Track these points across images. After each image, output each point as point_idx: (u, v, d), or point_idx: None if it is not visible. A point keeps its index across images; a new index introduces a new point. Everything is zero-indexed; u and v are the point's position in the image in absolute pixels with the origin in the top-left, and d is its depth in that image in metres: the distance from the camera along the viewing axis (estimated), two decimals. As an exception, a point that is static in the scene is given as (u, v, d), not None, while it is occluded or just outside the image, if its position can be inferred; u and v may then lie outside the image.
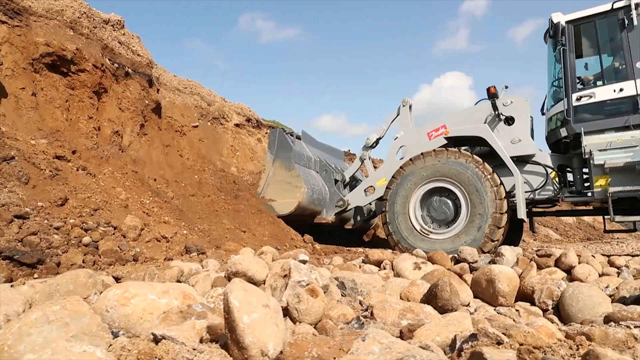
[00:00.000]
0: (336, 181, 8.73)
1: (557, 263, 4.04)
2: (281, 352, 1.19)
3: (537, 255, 4.26)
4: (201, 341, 1.24)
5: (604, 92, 6.65)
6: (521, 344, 1.52)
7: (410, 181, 7.09)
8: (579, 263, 3.96)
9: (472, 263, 4.30)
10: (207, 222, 7.41)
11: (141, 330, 1.50)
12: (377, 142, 8.39)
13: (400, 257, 4.23)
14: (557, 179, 6.99)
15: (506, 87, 7.40)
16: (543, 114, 7.81)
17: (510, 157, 6.86)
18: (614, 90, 6.56)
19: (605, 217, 6.89)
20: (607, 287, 3.11)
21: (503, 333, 1.56)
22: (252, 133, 9.94)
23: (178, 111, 8.57)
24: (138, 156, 7.58)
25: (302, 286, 1.92)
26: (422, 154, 7.17)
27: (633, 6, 6.49)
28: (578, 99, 6.78)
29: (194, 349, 1.13)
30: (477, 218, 6.59)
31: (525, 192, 6.93)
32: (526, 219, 6.73)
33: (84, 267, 4.50)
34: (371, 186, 8.00)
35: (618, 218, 6.47)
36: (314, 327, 1.81)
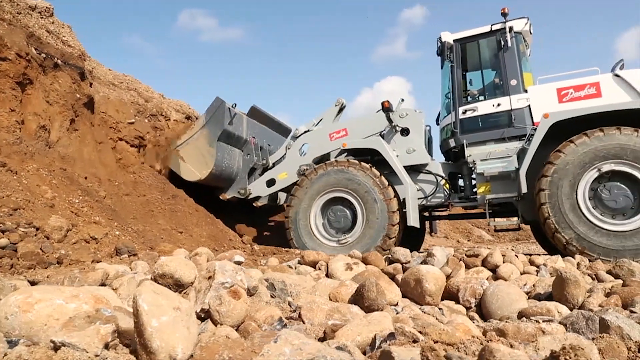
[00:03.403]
0: (253, 170, 8.80)
1: (484, 263, 4.24)
2: (191, 355, 1.16)
3: (466, 255, 4.45)
4: (107, 347, 1.19)
5: (485, 107, 7.25)
6: (435, 341, 1.57)
7: (302, 215, 7.43)
8: (504, 262, 4.17)
9: (405, 263, 4.41)
10: (141, 223, 7.14)
11: (44, 338, 1.41)
12: (304, 134, 8.61)
13: (335, 258, 4.28)
14: (447, 185, 7.51)
15: (402, 100, 7.87)
16: (438, 124, 8.32)
17: (406, 166, 7.37)
18: (493, 105, 7.18)
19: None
20: (525, 284, 3.29)
21: (419, 331, 1.60)
22: (191, 131, 9.68)
23: (113, 107, 8.19)
24: (67, 153, 7.17)
25: (225, 288, 1.89)
26: (301, 179, 7.63)
27: (507, 29, 7.09)
28: (464, 112, 7.34)
29: (97, 356, 1.07)
30: (368, 196, 7.04)
31: (419, 198, 7.46)
32: (417, 225, 7.13)
33: (-2, 271, 4.19)
34: (272, 178, 8.29)
35: (492, 222, 7.21)
36: (236, 330, 1.78)
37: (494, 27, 7.26)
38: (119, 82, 8.50)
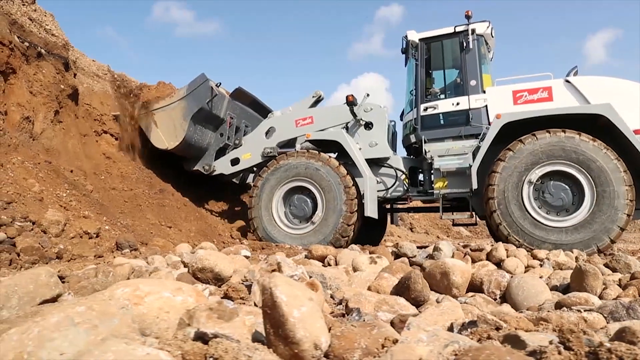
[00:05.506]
0: (222, 150, 8.85)
1: (489, 257, 4.40)
2: (329, 345, 1.20)
3: (470, 249, 4.60)
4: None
5: (445, 105, 7.51)
6: (516, 329, 1.66)
7: (267, 220, 7.48)
8: (507, 257, 4.35)
9: (412, 257, 4.54)
10: (130, 217, 7.00)
11: (157, 331, 1.41)
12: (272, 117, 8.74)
13: (344, 253, 4.32)
14: (407, 180, 7.78)
15: (367, 95, 8.08)
16: (402, 119, 8.57)
17: (368, 159, 7.59)
18: (452, 104, 7.45)
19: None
20: (540, 277, 3.46)
21: (501, 319, 1.69)
22: (176, 125, 9.50)
23: (97, 99, 7.95)
24: (52, 145, 6.93)
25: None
26: (252, 188, 7.74)
27: (470, 31, 7.37)
28: (425, 110, 7.59)
29: (250, 346, 1.09)
30: (308, 170, 7.25)
31: (379, 191, 7.68)
32: (375, 216, 7.32)
33: None
34: (237, 157, 8.43)
35: (444, 216, 7.49)
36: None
37: (457, 29, 7.51)
38: (103, 73, 8.25)
